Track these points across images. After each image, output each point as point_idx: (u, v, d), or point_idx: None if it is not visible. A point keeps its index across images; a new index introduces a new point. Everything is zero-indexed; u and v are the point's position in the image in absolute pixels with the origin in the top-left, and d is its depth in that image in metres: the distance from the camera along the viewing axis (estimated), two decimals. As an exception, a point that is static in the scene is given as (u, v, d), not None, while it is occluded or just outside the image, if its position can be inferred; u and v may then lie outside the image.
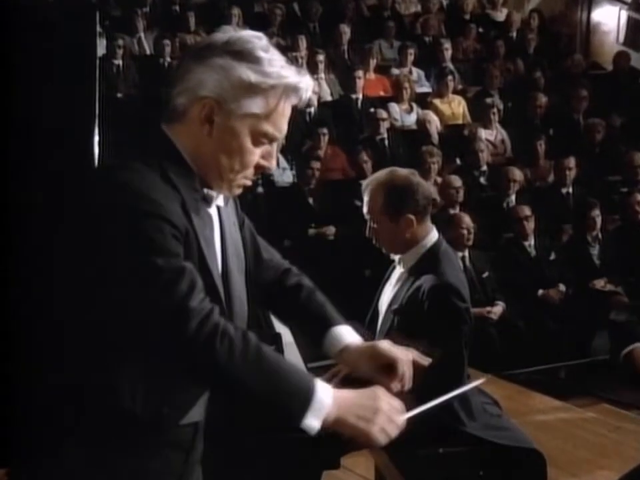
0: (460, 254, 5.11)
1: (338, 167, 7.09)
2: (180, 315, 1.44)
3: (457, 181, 6.28)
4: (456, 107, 8.09)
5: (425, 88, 8.61)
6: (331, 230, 6.32)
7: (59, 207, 1.78)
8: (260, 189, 6.32)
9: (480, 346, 2.88)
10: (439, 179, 6.59)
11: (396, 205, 2.72)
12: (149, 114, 6.48)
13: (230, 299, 1.66)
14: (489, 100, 7.85)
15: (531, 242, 5.99)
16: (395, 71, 8.56)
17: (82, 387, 1.55)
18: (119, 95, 7.58)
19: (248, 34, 1.60)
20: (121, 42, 7.89)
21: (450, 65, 8.57)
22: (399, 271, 2.84)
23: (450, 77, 8.08)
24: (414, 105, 7.95)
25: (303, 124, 7.22)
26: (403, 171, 2.79)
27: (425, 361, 1.82)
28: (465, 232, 5.36)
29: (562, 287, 5.91)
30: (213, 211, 1.66)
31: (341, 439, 2.40)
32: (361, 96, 7.90)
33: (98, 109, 2.22)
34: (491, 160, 7.23)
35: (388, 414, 1.54)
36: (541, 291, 5.86)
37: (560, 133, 7.77)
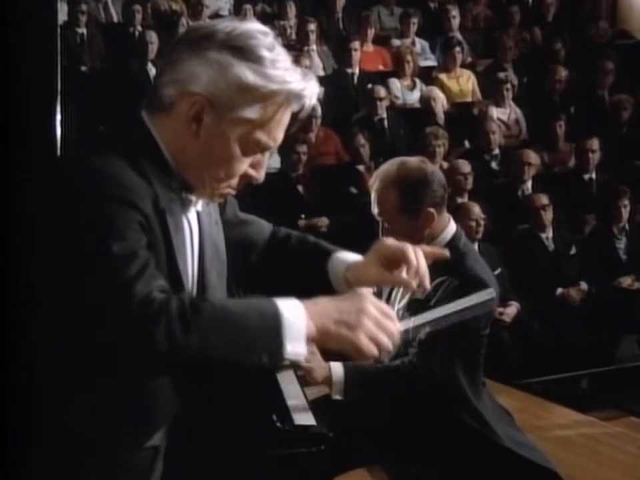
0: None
1: (330, 150, 7.10)
2: (122, 299, 1.44)
3: (465, 166, 6.30)
4: (464, 82, 8.10)
5: (430, 61, 8.62)
6: (323, 221, 6.33)
7: (16, 194, 1.79)
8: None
9: (491, 352, 2.90)
10: (445, 164, 6.60)
11: (413, 202, 2.75)
12: (120, 92, 6.48)
13: None
14: (501, 74, 7.86)
15: (548, 234, 6.02)
16: (396, 42, 8.57)
17: (36, 394, 1.59)
18: (83, 68, 7.57)
19: (253, 28, 1.60)
20: (84, 7, 7.87)
21: (458, 35, 8.58)
22: None
23: (458, 49, 8.09)
24: (417, 81, 7.96)
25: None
26: (412, 161, 2.80)
27: (442, 251, 1.85)
28: (474, 223, 5.38)
29: (584, 285, 5.94)
30: (191, 216, 1.68)
31: (334, 455, 2.43)
32: (357, 70, 7.91)
33: (59, 84, 2.22)
34: (503, 142, 7.26)
35: (375, 318, 1.53)
36: (559, 290, 5.89)
37: (582, 112, 7.79)
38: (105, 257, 1.45)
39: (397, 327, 1.57)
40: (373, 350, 1.53)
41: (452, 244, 2.80)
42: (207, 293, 1.70)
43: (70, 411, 1.58)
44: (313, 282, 1.90)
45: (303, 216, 6.37)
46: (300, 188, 6.49)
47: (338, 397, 2.77)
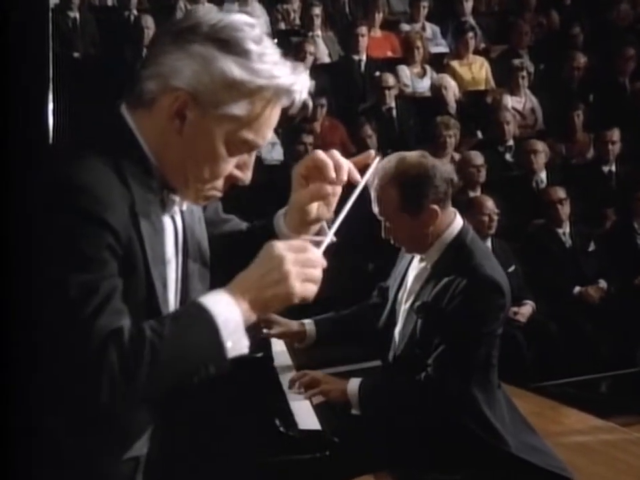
0: (481, 244, 5.15)
1: (336, 141, 7.08)
2: (78, 337, 1.46)
3: (477, 157, 6.30)
4: (477, 69, 8.10)
5: (441, 47, 8.62)
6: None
7: (5, 188, 1.79)
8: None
9: (505, 353, 2.91)
10: (457, 156, 6.61)
11: (415, 199, 2.75)
12: (115, 80, 6.48)
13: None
14: (516, 61, 7.85)
15: (565, 230, 6.02)
16: (405, 27, 8.57)
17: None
18: (76, 55, 7.58)
19: (240, 20, 1.60)
20: (77, -10, 7.88)
21: (471, 20, 8.58)
22: (418, 266, 2.88)
23: (471, 34, 8.09)
24: (427, 68, 7.96)
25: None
26: (412, 156, 2.81)
27: (364, 156, 1.83)
28: (487, 218, 5.39)
29: (603, 284, 5.94)
30: (177, 216, 1.69)
31: (339, 461, 2.44)
32: (364, 57, 7.91)
33: (51, 71, 2.23)
34: (518, 133, 7.25)
35: (294, 259, 1.56)
36: (577, 288, 5.89)
37: (601, 100, 7.78)
38: (65, 289, 1.46)
39: (319, 253, 1.60)
40: (310, 288, 1.56)
41: (459, 239, 2.81)
42: (189, 296, 1.73)
43: (46, 414, 1.59)
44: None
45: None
46: (304, 181, 6.48)
47: (356, 412, 2.79)
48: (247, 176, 1.67)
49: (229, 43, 1.56)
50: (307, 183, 1.78)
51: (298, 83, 1.61)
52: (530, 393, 4.62)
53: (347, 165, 1.76)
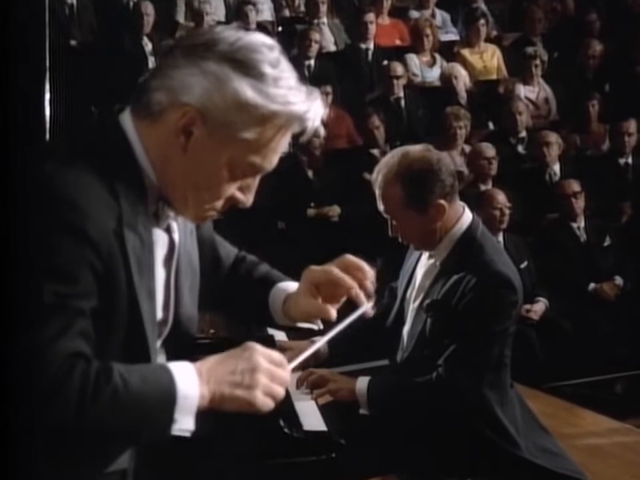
0: (493, 239, 5.14)
1: (342, 133, 7.10)
2: (38, 355, 1.46)
3: (489, 149, 6.30)
4: (489, 58, 8.09)
5: (451, 35, 8.61)
6: (334, 210, 6.35)
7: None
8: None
9: (517, 352, 2.91)
10: (467, 148, 6.60)
11: (421, 194, 2.75)
12: (114, 69, 6.48)
13: (177, 323, 1.75)
14: (530, 49, 7.85)
15: (580, 224, 6.02)
16: (414, 14, 8.56)
17: None
18: (73, 43, 7.58)
19: (258, 41, 1.59)
20: (74, -24, 7.88)
21: (482, 6, 8.57)
22: (427, 263, 2.88)
23: (482, 21, 8.09)
24: (437, 57, 7.96)
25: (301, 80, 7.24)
26: (415, 150, 2.81)
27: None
28: (499, 212, 5.38)
29: (619, 280, 5.94)
30: (173, 231, 1.71)
31: (345, 464, 2.44)
32: (371, 45, 7.92)
33: (48, 60, 2.23)
34: (531, 123, 7.25)
35: (268, 371, 1.60)
36: (592, 285, 5.89)
37: (618, 90, 7.77)
38: (37, 300, 1.47)
39: (288, 372, 1.64)
40: (269, 403, 1.61)
41: (468, 234, 2.80)
42: (179, 308, 1.75)
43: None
44: (255, 315, 2.02)
45: (312, 204, 6.37)
46: (310, 174, 6.49)
47: (364, 412, 2.79)
48: (248, 199, 1.67)
49: (245, 65, 1.56)
50: (317, 290, 1.85)
51: (312, 110, 1.61)
52: (543, 394, 4.63)
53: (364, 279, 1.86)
